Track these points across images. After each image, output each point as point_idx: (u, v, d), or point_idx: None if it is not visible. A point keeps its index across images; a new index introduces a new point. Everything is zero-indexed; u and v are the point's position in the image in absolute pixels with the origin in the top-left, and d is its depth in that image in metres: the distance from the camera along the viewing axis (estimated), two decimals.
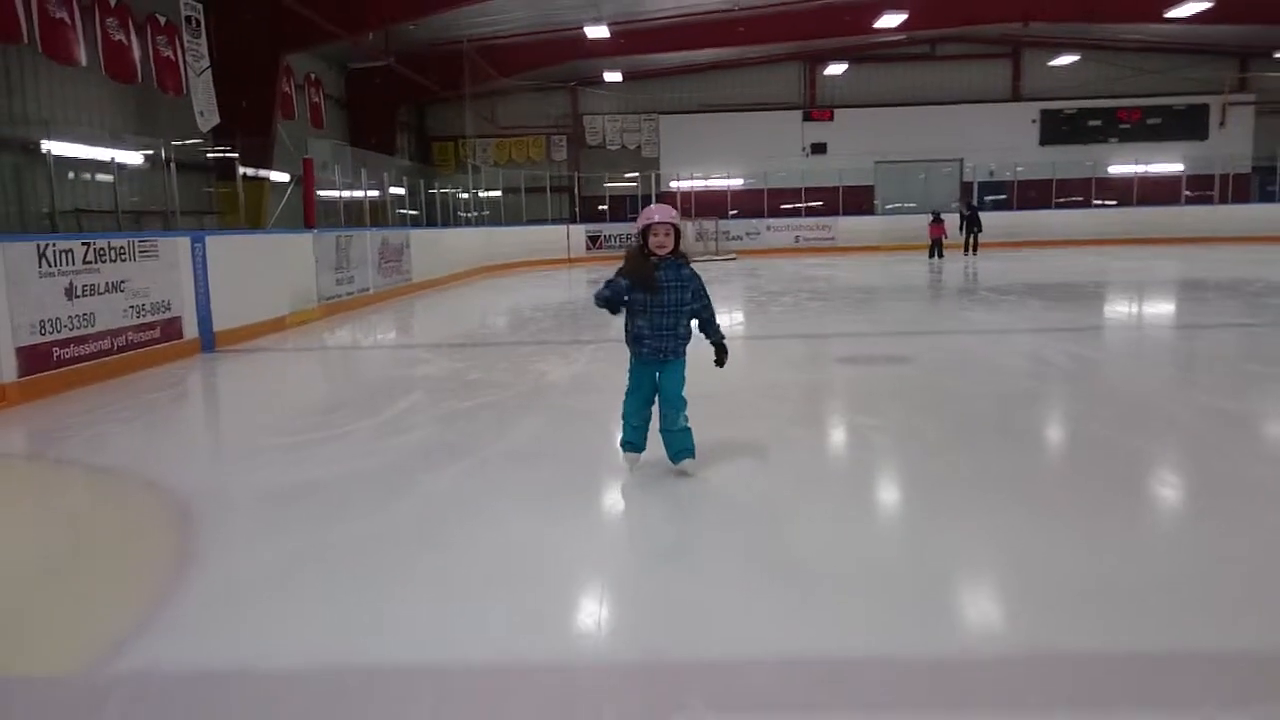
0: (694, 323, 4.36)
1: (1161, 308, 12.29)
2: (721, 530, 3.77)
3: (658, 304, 4.22)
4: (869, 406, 6.11)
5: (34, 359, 7.20)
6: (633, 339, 4.34)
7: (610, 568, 3.45)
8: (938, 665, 2.58)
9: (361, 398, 7.29)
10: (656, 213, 4.24)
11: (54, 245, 7.58)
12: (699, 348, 4.41)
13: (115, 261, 8.31)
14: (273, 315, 11.46)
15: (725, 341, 4.42)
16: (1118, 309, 11.97)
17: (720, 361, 4.42)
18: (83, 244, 7.95)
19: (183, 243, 9.62)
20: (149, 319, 8.80)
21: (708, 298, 4.37)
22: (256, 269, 11.35)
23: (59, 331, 7.50)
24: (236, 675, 2.65)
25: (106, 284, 8.17)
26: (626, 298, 4.26)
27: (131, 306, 8.53)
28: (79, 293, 7.79)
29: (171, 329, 9.19)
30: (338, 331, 11.65)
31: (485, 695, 2.51)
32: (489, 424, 5.79)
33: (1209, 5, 21.33)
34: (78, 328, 7.74)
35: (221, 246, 10.37)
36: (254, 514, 4.10)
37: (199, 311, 9.72)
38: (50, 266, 7.46)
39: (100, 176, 14.35)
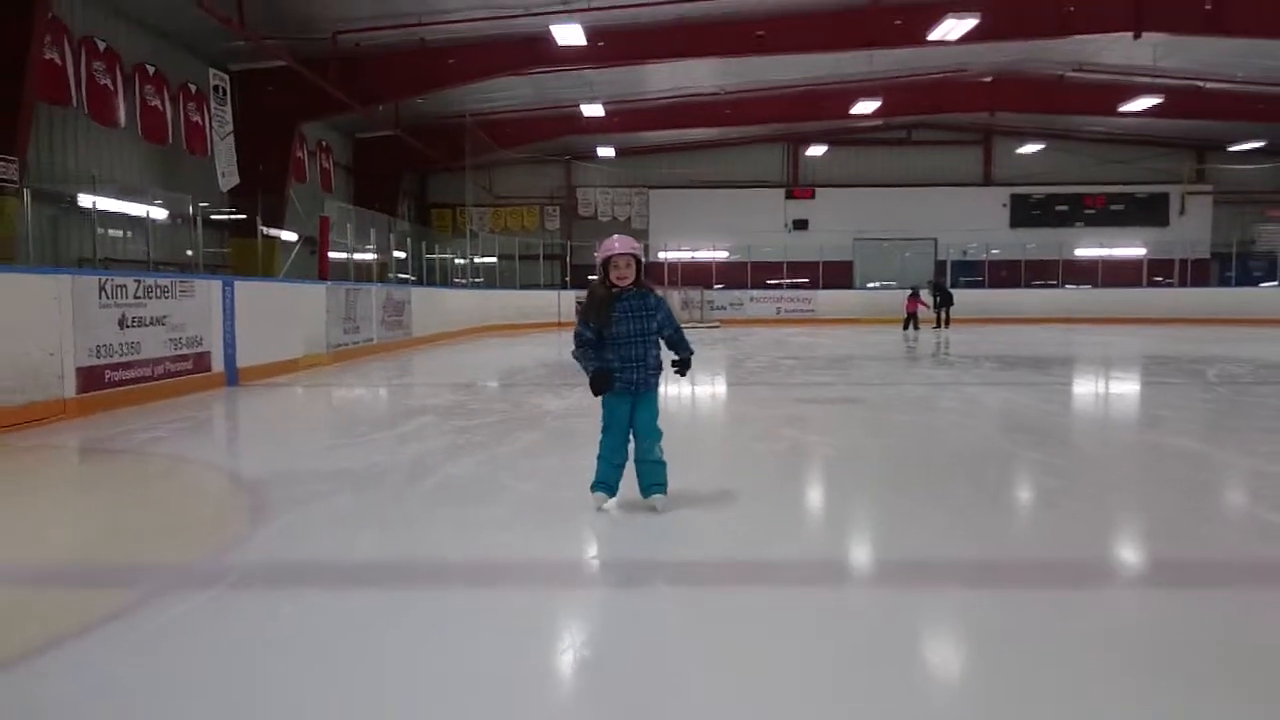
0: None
1: (1098, 370, 13.40)
2: (685, 501, 4.74)
3: (623, 335, 4.20)
4: (819, 429, 7.16)
5: (90, 378, 8.17)
6: None
7: (600, 515, 4.41)
8: (833, 564, 3.57)
9: (380, 419, 8.28)
10: (617, 243, 4.24)
11: (112, 280, 8.62)
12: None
13: (160, 298, 9.35)
14: (287, 357, 12.46)
15: (691, 357, 4.42)
16: (1059, 370, 13.07)
17: (680, 370, 4.40)
18: (135, 281, 9.00)
19: (215, 285, 10.67)
20: (184, 351, 9.79)
21: (675, 322, 4.39)
22: (276, 314, 12.37)
23: (111, 356, 8.50)
24: (322, 564, 3.62)
25: (152, 318, 9.19)
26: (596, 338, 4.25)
27: (170, 339, 9.54)
28: (129, 323, 8.80)
29: (202, 362, 10.17)
30: (348, 374, 12.64)
31: (506, 578, 3.48)
32: (495, 435, 6.77)
33: (1158, 101, 23.09)
34: (126, 354, 8.73)
35: (247, 291, 11.40)
36: (307, 486, 5.04)
37: (225, 348, 10.72)
38: (108, 299, 8.49)
39: (117, 230, 15.42)
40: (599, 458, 4.34)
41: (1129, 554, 3.93)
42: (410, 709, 2.36)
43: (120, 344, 8.66)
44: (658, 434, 4.32)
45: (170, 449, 6.44)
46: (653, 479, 4.31)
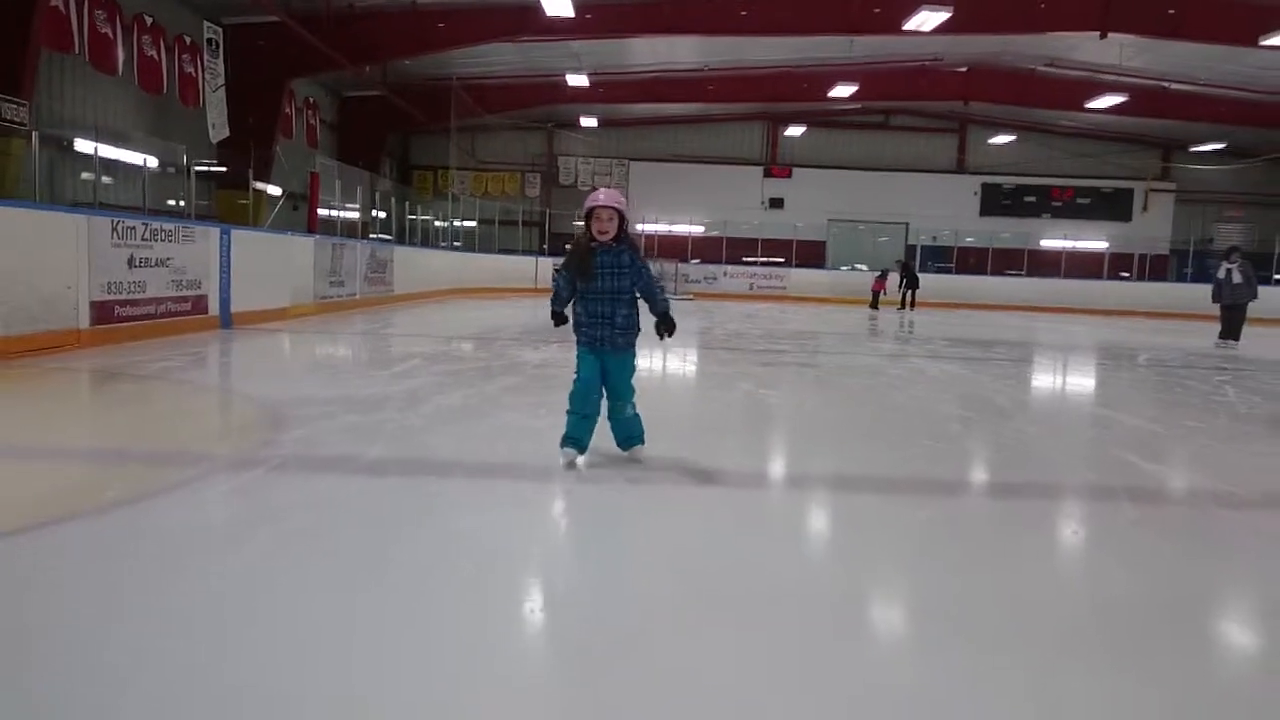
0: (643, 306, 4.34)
1: (1040, 351, 14.32)
2: (647, 428, 5.50)
3: (593, 290, 4.18)
4: (770, 384, 7.96)
5: (102, 312, 8.80)
6: (575, 326, 4.33)
7: None
8: (762, 473, 4.36)
9: (372, 360, 8.99)
10: (601, 195, 4.22)
11: (123, 222, 9.21)
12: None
13: (165, 242, 9.94)
14: (277, 305, 13.07)
15: (670, 312, 4.33)
16: (1003, 350, 13.96)
17: (661, 332, 4.33)
18: (143, 224, 9.60)
19: (214, 232, 11.26)
20: (185, 293, 10.40)
21: (648, 276, 4.31)
22: (267, 264, 12.97)
23: (121, 293, 9.11)
24: (342, 459, 4.35)
25: (157, 259, 9.79)
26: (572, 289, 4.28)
27: (173, 280, 10.15)
28: (137, 263, 9.40)
29: (200, 304, 10.79)
30: (335, 323, 13.27)
31: (495, 474, 4.23)
32: (479, 376, 7.52)
33: (1124, 99, 24.01)
34: (134, 292, 9.35)
35: (242, 240, 11.99)
36: (317, 408, 5.74)
37: (221, 293, 11.32)
38: (119, 239, 9.09)
39: (107, 176, 15.85)
40: (567, 412, 4.34)
41: (985, 475, 4.76)
42: (421, 557, 3.11)
43: (129, 282, 9.27)
44: (630, 393, 4.35)
45: (187, 377, 7.12)
46: (628, 432, 4.39)
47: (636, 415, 4.40)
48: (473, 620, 2.52)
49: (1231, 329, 14.52)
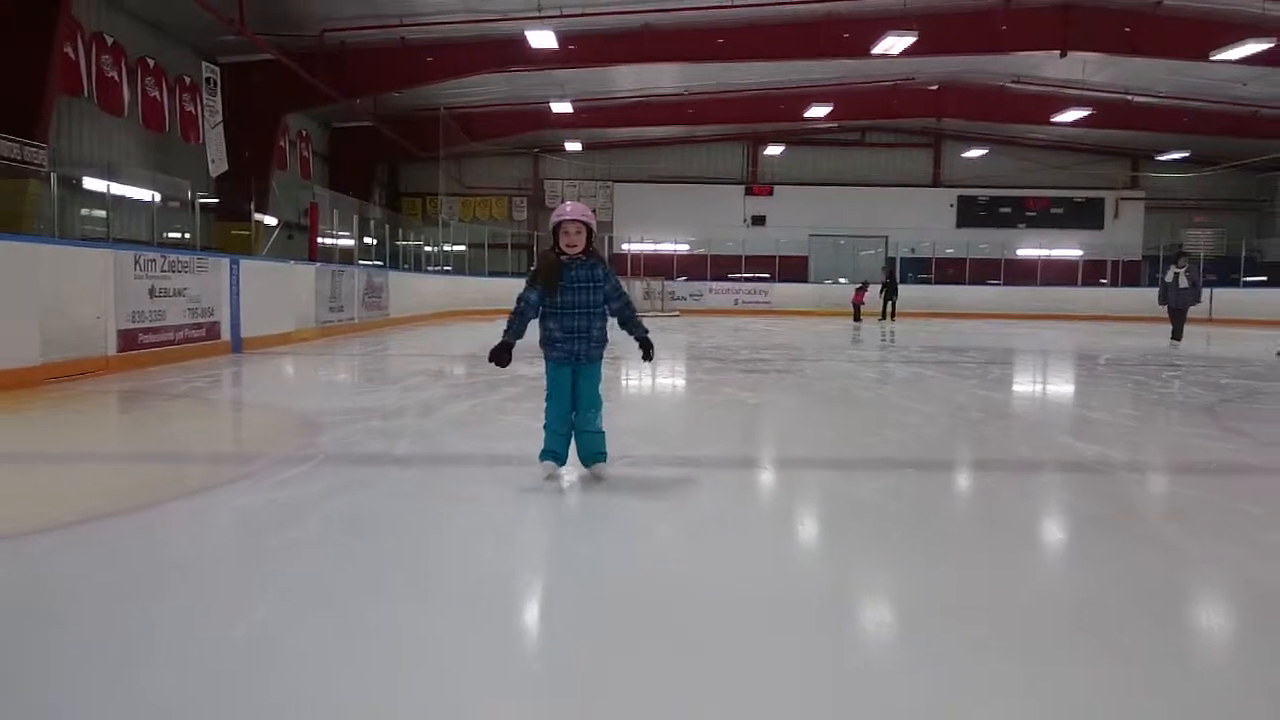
0: (613, 321, 4.40)
1: (1007, 354, 15.06)
2: (643, 424, 6.19)
3: (568, 305, 4.15)
4: (750, 388, 8.67)
5: (127, 339, 9.45)
6: (545, 342, 4.29)
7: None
8: (739, 458, 5.05)
9: (380, 376, 9.67)
10: (569, 208, 4.18)
11: (144, 255, 9.89)
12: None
13: (182, 272, 10.60)
14: (282, 330, 13.72)
15: (649, 336, 4.44)
16: (973, 354, 14.71)
17: (646, 355, 4.45)
18: (162, 256, 10.26)
19: (225, 262, 11.93)
20: (199, 320, 11.05)
21: (625, 296, 4.34)
22: (273, 291, 13.64)
23: (143, 321, 9.77)
24: (375, 455, 5.03)
25: (175, 289, 10.45)
26: (540, 308, 4.24)
27: (189, 309, 10.80)
28: (157, 293, 10.06)
29: (213, 330, 11.44)
30: (338, 346, 13.93)
31: (509, 463, 4.91)
32: (482, 389, 8.18)
33: (1087, 113, 24.98)
34: (155, 320, 10.00)
35: (250, 269, 12.67)
36: (343, 416, 6.41)
37: (232, 319, 11.98)
38: (141, 271, 9.75)
39: (98, 212, 16.50)
40: (545, 427, 4.40)
41: (937, 456, 5.46)
42: (449, 527, 3.79)
43: (150, 311, 9.93)
44: (598, 404, 4.40)
45: (217, 395, 7.78)
46: (593, 448, 4.42)
47: (603, 432, 4.43)
48: (495, 584, 3.20)
49: (1176, 329, 15.35)
